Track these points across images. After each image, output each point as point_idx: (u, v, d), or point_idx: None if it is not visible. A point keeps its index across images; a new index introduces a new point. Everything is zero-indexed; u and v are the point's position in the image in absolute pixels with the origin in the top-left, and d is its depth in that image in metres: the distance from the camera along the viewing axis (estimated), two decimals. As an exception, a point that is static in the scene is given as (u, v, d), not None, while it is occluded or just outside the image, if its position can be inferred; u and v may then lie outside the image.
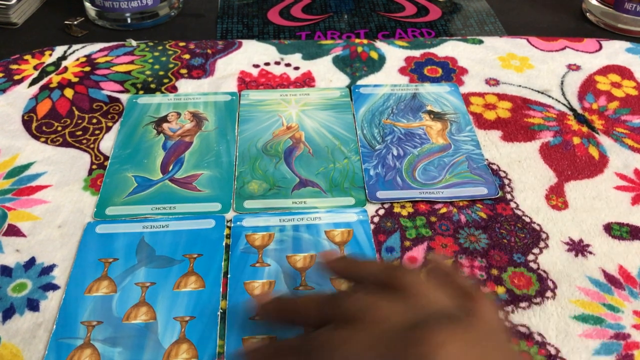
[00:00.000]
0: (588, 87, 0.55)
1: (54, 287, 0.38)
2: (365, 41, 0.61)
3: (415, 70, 0.57)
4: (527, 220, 0.43)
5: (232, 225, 0.42)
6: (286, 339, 0.30)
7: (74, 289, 0.37)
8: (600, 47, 0.61)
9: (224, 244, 0.40)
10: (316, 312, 0.30)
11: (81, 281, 0.38)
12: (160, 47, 0.60)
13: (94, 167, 0.46)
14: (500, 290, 0.38)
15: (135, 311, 0.36)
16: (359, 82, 0.56)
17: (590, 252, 0.41)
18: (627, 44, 0.61)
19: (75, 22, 0.64)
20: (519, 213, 0.43)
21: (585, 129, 0.51)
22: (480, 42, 0.61)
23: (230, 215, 0.43)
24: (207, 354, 0.34)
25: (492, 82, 0.56)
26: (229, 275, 0.38)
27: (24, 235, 0.41)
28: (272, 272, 0.39)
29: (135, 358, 0.34)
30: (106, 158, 0.47)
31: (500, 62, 0.58)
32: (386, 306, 0.28)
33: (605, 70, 0.57)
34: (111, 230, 0.41)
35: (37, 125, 0.50)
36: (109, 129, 0.50)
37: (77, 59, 0.58)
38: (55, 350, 0.34)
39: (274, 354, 0.30)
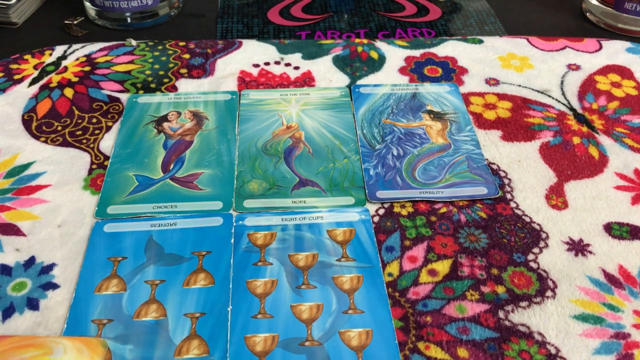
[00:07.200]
0: (588, 87, 0.55)
1: (54, 286, 0.38)
2: (365, 41, 0.61)
3: (415, 70, 0.57)
4: (527, 220, 0.43)
5: (235, 224, 0.42)
6: None
7: (83, 288, 0.38)
8: (600, 47, 0.61)
9: (232, 241, 0.40)
10: None
11: (90, 280, 0.38)
12: (160, 47, 0.60)
13: (94, 166, 0.46)
14: (501, 289, 0.38)
15: (146, 309, 0.36)
16: (359, 82, 0.56)
17: (590, 252, 0.41)
18: (627, 44, 0.61)
19: (75, 22, 0.64)
20: (519, 213, 0.43)
21: (585, 128, 0.51)
22: (480, 42, 0.61)
23: (231, 214, 0.43)
24: (218, 350, 0.34)
25: (492, 81, 0.56)
26: (231, 274, 0.38)
27: (23, 235, 0.41)
28: (275, 270, 0.39)
29: (147, 355, 0.34)
30: (106, 158, 0.47)
31: (500, 62, 0.58)
32: None
33: (605, 70, 0.57)
34: (119, 229, 0.41)
35: (37, 124, 0.50)
36: (109, 128, 0.50)
37: (77, 59, 0.58)
38: None
39: None
